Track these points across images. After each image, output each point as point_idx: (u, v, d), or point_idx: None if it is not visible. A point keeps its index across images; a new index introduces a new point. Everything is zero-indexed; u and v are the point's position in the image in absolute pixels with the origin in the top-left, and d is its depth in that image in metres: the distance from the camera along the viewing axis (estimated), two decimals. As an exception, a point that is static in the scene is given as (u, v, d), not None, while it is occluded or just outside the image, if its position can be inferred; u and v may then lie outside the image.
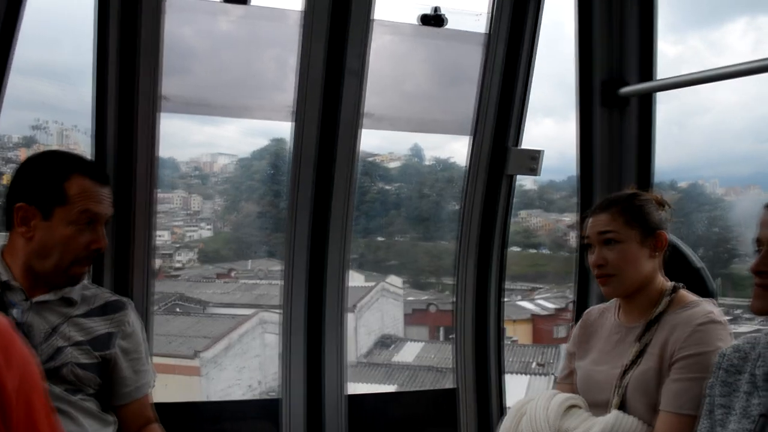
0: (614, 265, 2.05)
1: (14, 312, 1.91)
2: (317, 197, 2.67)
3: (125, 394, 2.09)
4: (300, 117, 2.61)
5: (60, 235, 1.94)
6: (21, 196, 1.95)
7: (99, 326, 2.04)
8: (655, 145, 2.87)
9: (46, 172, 1.97)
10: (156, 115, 2.43)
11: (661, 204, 2.16)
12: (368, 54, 2.63)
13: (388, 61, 2.81)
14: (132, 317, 2.14)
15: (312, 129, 2.62)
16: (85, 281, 2.14)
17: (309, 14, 2.55)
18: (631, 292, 2.09)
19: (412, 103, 2.92)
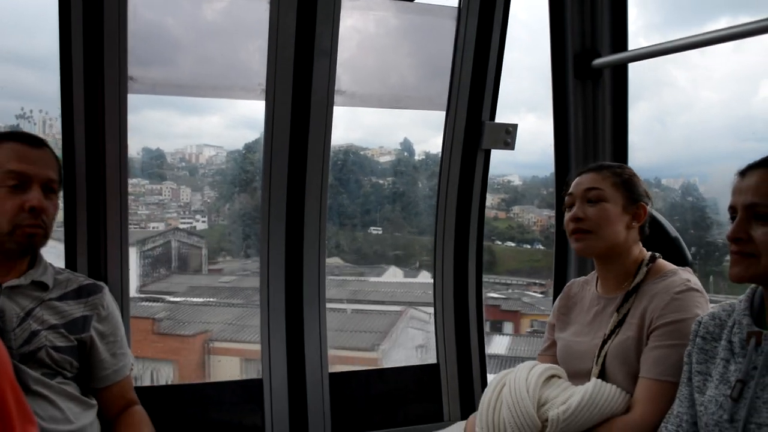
0: (594, 222, 2.05)
1: None
2: (291, 178, 2.65)
3: (104, 377, 2.08)
4: (270, 96, 2.57)
5: None
6: None
7: (74, 309, 2.02)
8: (630, 118, 2.89)
9: None
10: (124, 96, 2.38)
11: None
12: (338, 30, 2.59)
13: (358, 38, 2.77)
14: (107, 300, 2.12)
15: (284, 108, 2.59)
16: (58, 267, 2.11)
17: (277, -9, 2.51)
18: (601, 255, 2.10)
19: (384, 79, 2.88)
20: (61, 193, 2.06)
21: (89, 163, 2.38)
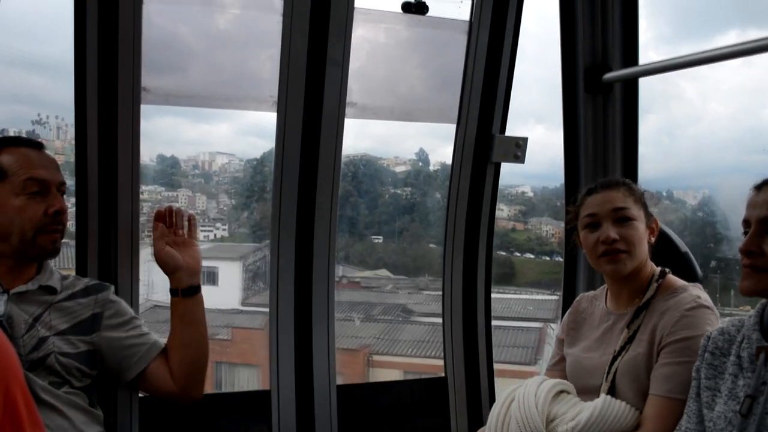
0: (629, 242, 2.02)
1: None
2: (302, 188, 2.66)
3: (138, 361, 2.08)
4: (282, 108, 2.59)
5: (11, 209, 1.91)
6: None
7: (83, 309, 2.03)
8: (639, 132, 2.88)
9: None
10: (137, 106, 2.40)
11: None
12: (350, 43, 2.61)
13: (370, 50, 2.79)
14: (115, 297, 2.14)
15: (296, 119, 2.60)
16: (64, 273, 2.12)
17: (289, 2, 2.52)
18: (633, 273, 2.07)
19: (395, 92, 2.90)
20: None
21: (101, 171, 2.39)
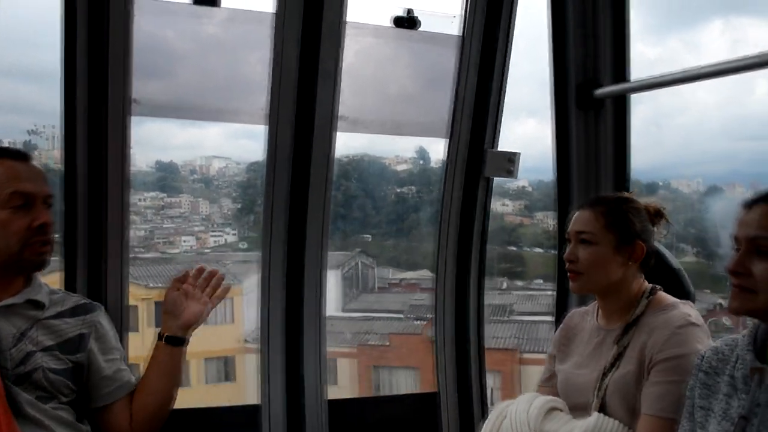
0: (584, 265, 2.06)
1: None
2: (293, 201, 2.65)
3: (108, 394, 2.05)
4: (274, 120, 2.58)
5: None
6: None
7: (70, 328, 2.00)
8: (631, 146, 2.88)
9: None
10: (127, 118, 2.39)
11: (655, 216, 2.15)
12: (341, 56, 2.61)
13: (361, 64, 2.79)
14: (104, 319, 2.11)
15: (286, 132, 2.60)
16: (52, 287, 2.09)
17: (281, 16, 2.53)
18: (598, 292, 2.11)
19: (386, 105, 2.90)
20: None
21: (90, 182, 2.38)
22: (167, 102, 2.58)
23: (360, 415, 2.87)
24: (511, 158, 2.88)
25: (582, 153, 2.93)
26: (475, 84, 2.83)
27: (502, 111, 2.88)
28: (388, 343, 10.84)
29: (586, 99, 2.88)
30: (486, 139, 2.87)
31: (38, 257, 1.93)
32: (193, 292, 2.13)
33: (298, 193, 2.65)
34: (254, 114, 2.64)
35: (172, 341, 2.09)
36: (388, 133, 2.98)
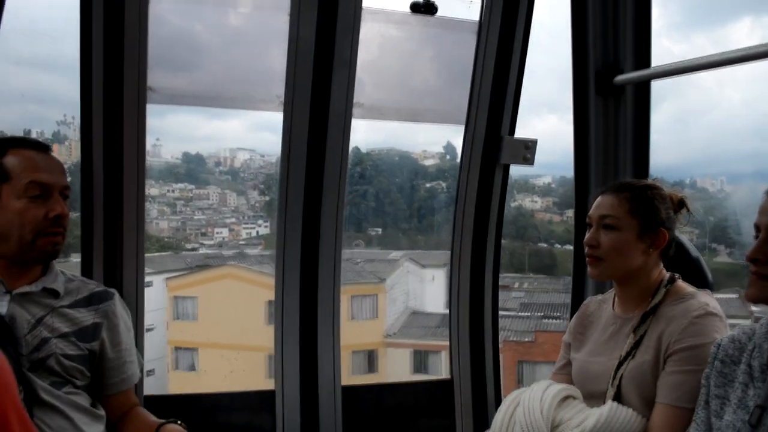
0: (605, 251, 2.03)
1: None
2: (308, 188, 2.65)
3: (112, 384, 2.10)
4: (289, 108, 2.58)
5: (12, 211, 1.90)
6: None
7: (85, 317, 2.03)
8: (652, 136, 2.84)
9: None
10: (143, 107, 2.40)
11: (678, 205, 2.12)
12: (357, 43, 2.59)
13: (378, 50, 2.77)
14: (119, 308, 2.13)
15: (302, 120, 2.59)
16: (69, 274, 2.12)
17: (296, 2, 2.51)
18: (617, 279, 2.09)
19: (403, 92, 2.88)
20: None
21: (107, 170, 2.40)
22: (184, 90, 2.58)
23: (374, 401, 2.88)
24: (528, 145, 2.86)
25: (601, 142, 2.90)
26: (492, 70, 2.79)
27: (520, 98, 2.84)
28: (531, 339, 11.65)
29: (606, 85, 2.84)
30: (503, 126, 2.85)
31: (51, 247, 1.96)
32: None
33: (314, 181, 2.65)
34: (270, 101, 2.63)
35: None
36: (404, 120, 2.95)
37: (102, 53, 2.33)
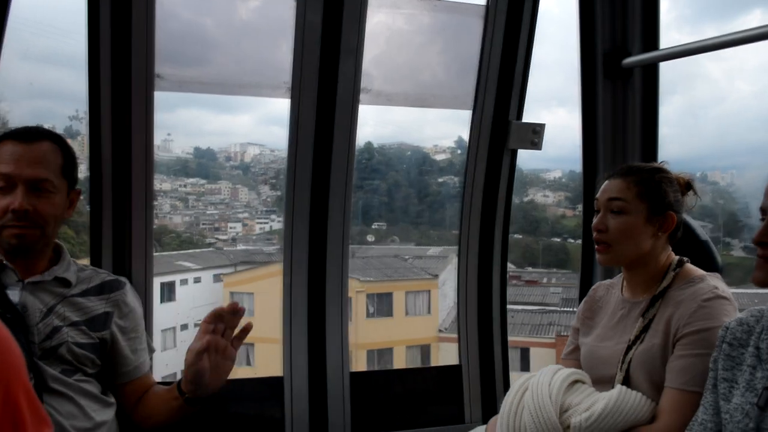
0: (614, 235, 2.02)
1: (10, 293, 1.89)
2: (316, 174, 2.65)
3: (125, 373, 2.10)
4: (296, 94, 2.57)
5: None
6: None
7: (96, 306, 2.03)
8: (661, 128, 2.82)
9: None
10: (151, 94, 2.40)
11: (685, 188, 2.11)
12: (364, 29, 2.58)
13: (384, 36, 2.76)
14: (130, 296, 2.14)
15: (309, 106, 2.58)
16: (81, 264, 2.13)
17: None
18: (626, 264, 2.07)
19: (410, 78, 2.87)
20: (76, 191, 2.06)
21: (115, 160, 2.40)
22: (191, 77, 2.58)
23: (382, 388, 2.89)
24: (535, 129, 2.84)
25: (609, 125, 2.88)
26: (500, 54, 2.78)
27: (527, 82, 2.82)
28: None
29: (614, 68, 2.82)
30: (511, 110, 2.83)
31: (14, 239, 1.90)
32: (221, 345, 1.96)
33: (321, 168, 2.65)
34: (277, 88, 2.63)
35: (191, 402, 2.04)
36: (411, 105, 2.94)
37: (109, 41, 2.33)
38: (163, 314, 12.47)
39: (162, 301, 12.47)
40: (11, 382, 0.95)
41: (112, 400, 2.06)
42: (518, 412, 1.96)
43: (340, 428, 2.72)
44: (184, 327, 12.92)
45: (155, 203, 2.58)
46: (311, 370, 2.71)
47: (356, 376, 2.77)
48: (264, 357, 10.94)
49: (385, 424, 2.82)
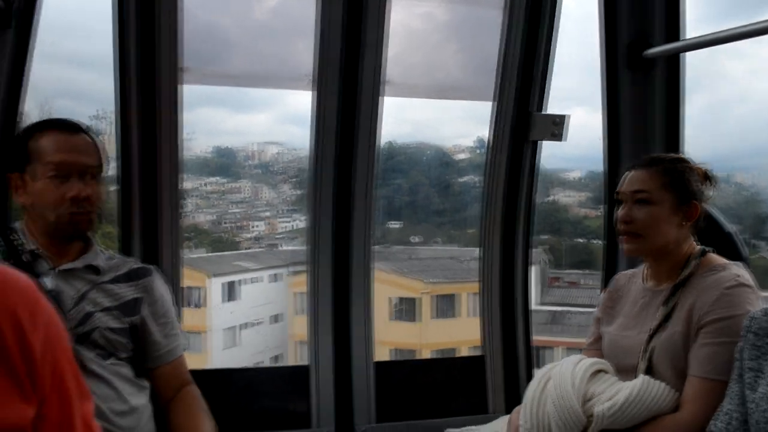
0: (641, 226, 2.02)
1: (45, 280, 1.94)
2: (339, 168, 2.68)
3: (157, 357, 2.13)
4: (320, 86, 2.60)
5: (38, 191, 1.95)
6: (9, 167, 2.00)
7: (126, 292, 2.08)
8: (685, 109, 2.80)
9: (17, 139, 2.02)
10: (176, 87, 2.45)
11: (705, 178, 2.11)
12: (385, 24, 2.60)
13: (406, 30, 2.78)
14: (158, 283, 2.18)
15: (332, 100, 2.61)
16: (109, 253, 2.17)
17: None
18: (652, 254, 2.07)
19: (432, 71, 2.88)
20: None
21: (143, 156, 2.46)
22: (215, 71, 2.62)
23: (407, 377, 2.91)
24: (557, 121, 2.83)
25: (631, 116, 2.87)
26: (521, 45, 2.78)
27: (548, 73, 2.82)
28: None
29: (637, 59, 2.81)
30: (532, 102, 2.83)
31: (71, 227, 1.98)
32: None
33: (345, 161, 2.68)
34: (300, 80, 2.66)
35: None
36: (434, 97, 2.96)
37: (135, 38, 2.38)
38: (224, 314, 12.69)
39: (224, 300, 12.73)
40: (58, 354, 0.99)
41: (146, 384, 2.09)
42: (541, 401, 1.97)
43: (366, 416, 2.76)
44: (243, 326, 13.16)
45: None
46: (337, 360, 2.74)
47: (381, 366, 2.81)
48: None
49: (410, 413, 2.85)
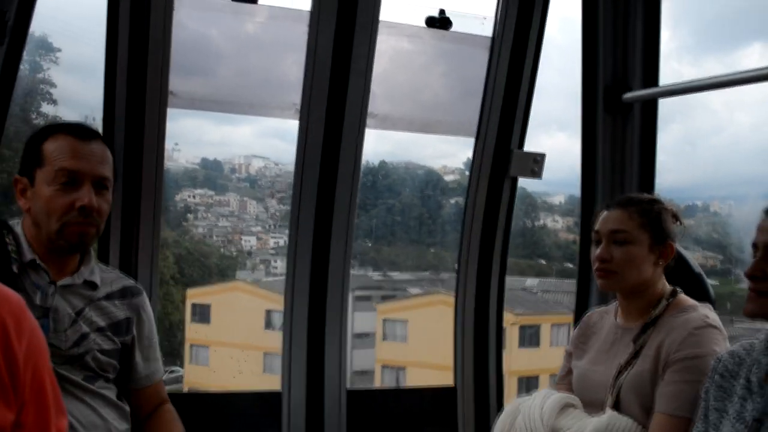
0: (618, 264, 2.06)
1: (38, 296, 1.86)
2: (321, 194, 2.70)
3: (137, 380, 2.07)
4: (305, 116, 2.64)
5: (43, 197, 1.85)
6: (18, 170, 1.93)
7: (118, 310, 2.01)
8: (659, 156, 2.88)
9: (29, 140, 1.93)
10: (163, 109, 2.47)
11: (675, 217, 2.16)
12: (374, 55, 2.65)
13: (393, 63, 2.83)
14: (147, 304, 2.12)
15: (317, 128, 2.65)
16: (103, 265, 2.11)
17: (315, 14, 2.58)
18: (625, 291, 2.11)
19: (416, 104, 2.94)
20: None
21: (126, 168, 2.45)
22: (203, 96, 2.64)
23: (379, 406, 2.91)
24: (536, 159, 2.90)
25: (608, 158, 2.94)
26: (504, 85, 2.84)
27: (530, 112, 2.89)
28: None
29: (615, 102, 2.89)
30: (513, 139, 2.90)
31: (77, 238, 1.88)
32: None
33: (327, 187, 2.70)
34: (286, 109, 2.69)
35: None
36: (416, 131, 3.01)
37: (126, 56, 2.39)
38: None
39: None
40: (39, 365, 1.00)
41: (126, 406, 2.02)
42: None
43: (336, 445, 2.75)
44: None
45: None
46: (309, 387, 2.73)
47: (353, 394, 2.80)
48: (414, 381, 11.17)
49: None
